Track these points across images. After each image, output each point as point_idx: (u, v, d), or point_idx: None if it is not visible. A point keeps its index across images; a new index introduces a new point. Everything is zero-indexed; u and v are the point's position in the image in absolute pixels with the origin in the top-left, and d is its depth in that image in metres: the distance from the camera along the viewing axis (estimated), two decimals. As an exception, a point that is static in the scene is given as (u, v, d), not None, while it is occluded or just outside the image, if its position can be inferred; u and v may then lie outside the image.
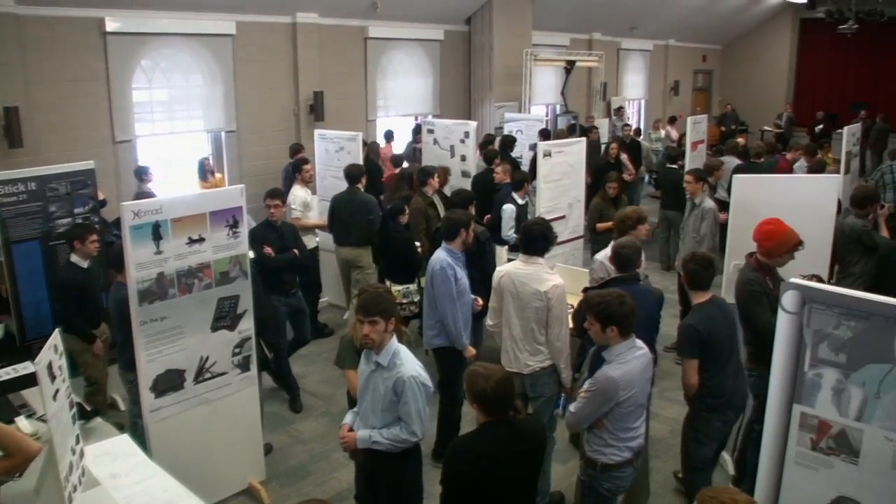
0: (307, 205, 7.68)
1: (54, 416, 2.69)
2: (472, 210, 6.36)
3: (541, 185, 6.66)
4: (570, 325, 4.53)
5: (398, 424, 3.45)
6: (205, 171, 8.78)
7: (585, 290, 4.35)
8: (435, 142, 9.70)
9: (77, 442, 3.05)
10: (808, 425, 2.81)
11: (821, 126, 17.15)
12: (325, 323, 7.74)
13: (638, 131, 14.43)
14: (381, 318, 3.41)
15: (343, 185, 7.34)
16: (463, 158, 9.08)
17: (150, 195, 7.20)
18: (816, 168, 8.77)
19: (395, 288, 6.14)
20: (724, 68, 22.43)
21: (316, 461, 5.31)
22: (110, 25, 8.35)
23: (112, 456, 3.49)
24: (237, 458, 4.76)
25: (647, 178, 13.39)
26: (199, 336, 4.38)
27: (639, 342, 3.58)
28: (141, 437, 4.17)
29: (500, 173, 8.01)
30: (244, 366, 4.69)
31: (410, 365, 3.45)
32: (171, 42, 9.10)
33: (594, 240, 7.60)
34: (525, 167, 9.68)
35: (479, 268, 5.55)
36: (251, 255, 4.90)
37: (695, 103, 21.16)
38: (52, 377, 2.70)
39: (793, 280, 2.90)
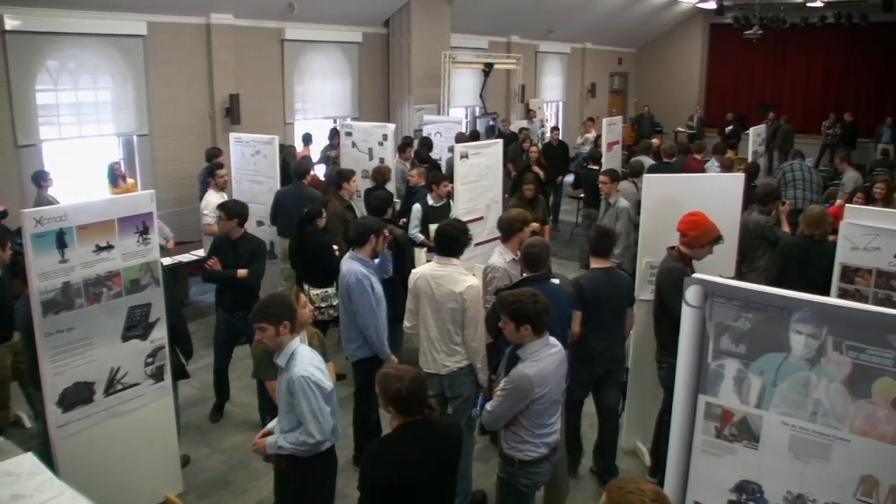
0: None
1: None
2: (390, 213, 6.35)
3: (458, 187, 6.69)
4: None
5: (299, 427, 3.43)
6: (115, 176, 8.48)
7: (497, 291, 4.41)
8: (353, 144, 9.66)
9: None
10: (712, 414, 2.92)
11: (730, 127, 17.82)
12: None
13: (554, 129, 14.67)
14: (267, 323, 3.40)
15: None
16: (381, 161, 9.04)
17: (51, 202, 6.92)
18: (726, 168, 9.47)
19: (314, 292, 6.08)
20: (639, 71, 23.07)
21: (235, 471, 5.21)
22: (9, 23, 7.96)
23: (14, 476, 3.30)
24: (152, 472, 4.63)
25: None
26: (108, 347, 4.24)
27: (553, 340, 3.65)
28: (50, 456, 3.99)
29: (416, 176, 8.05)
30: (157, 376, 4.56)
31: (302, 365, 3.42)
32: (79, 42, 8.75)
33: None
34: (444, 169, 9.71)
35: (398, 269, 5.54)
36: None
37: (611, 105, 21.67)
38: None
39: (695, 275, 3.01)
